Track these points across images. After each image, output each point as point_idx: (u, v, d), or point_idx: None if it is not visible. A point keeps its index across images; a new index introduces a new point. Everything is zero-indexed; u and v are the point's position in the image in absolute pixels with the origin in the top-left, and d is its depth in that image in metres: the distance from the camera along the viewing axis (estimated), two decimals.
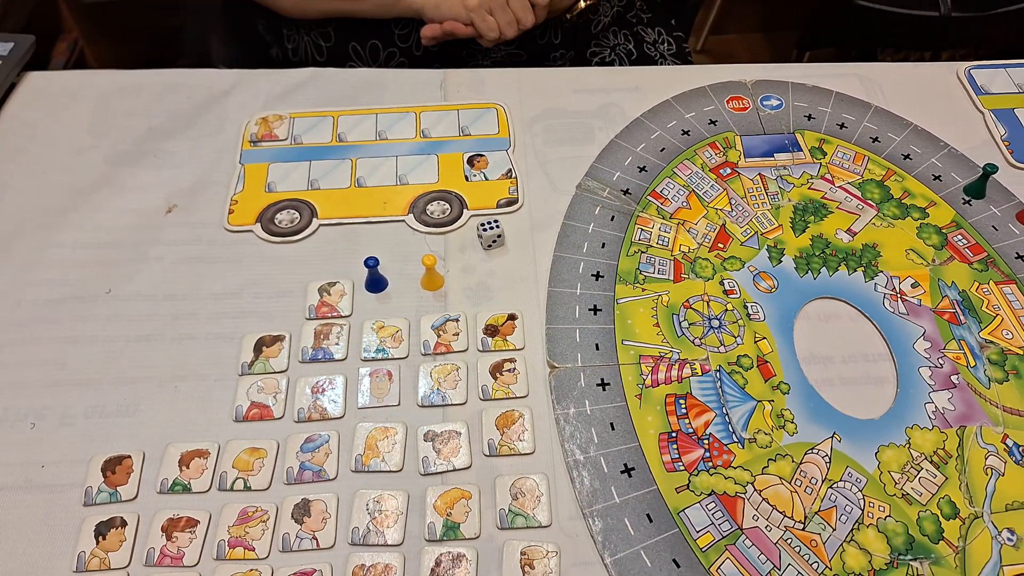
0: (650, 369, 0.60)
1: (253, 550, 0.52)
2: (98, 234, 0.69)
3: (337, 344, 0.62)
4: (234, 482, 0.55)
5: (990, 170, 0.69)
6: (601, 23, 1.00)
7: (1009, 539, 0.53)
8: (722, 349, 0.61)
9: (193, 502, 0.54)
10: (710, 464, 0.56)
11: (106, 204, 0.71)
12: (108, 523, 0.53)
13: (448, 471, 0.56)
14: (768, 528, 0.53)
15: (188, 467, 0.56)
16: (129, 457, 0.56)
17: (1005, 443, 0.57)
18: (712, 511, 0.54)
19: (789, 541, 0.52)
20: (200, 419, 0.58)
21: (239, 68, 0.84)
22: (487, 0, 0.82)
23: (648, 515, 0.53)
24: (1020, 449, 0.57)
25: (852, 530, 0.53)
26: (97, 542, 0.52)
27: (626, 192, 0.71)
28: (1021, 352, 0.61)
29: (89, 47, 1.77)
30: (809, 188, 0.72)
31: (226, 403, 0.59)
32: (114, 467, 0.55)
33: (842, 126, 0.77)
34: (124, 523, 0.53)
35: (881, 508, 0.54)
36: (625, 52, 1.05)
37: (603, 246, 0.67)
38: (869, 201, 0.71)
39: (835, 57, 1.86)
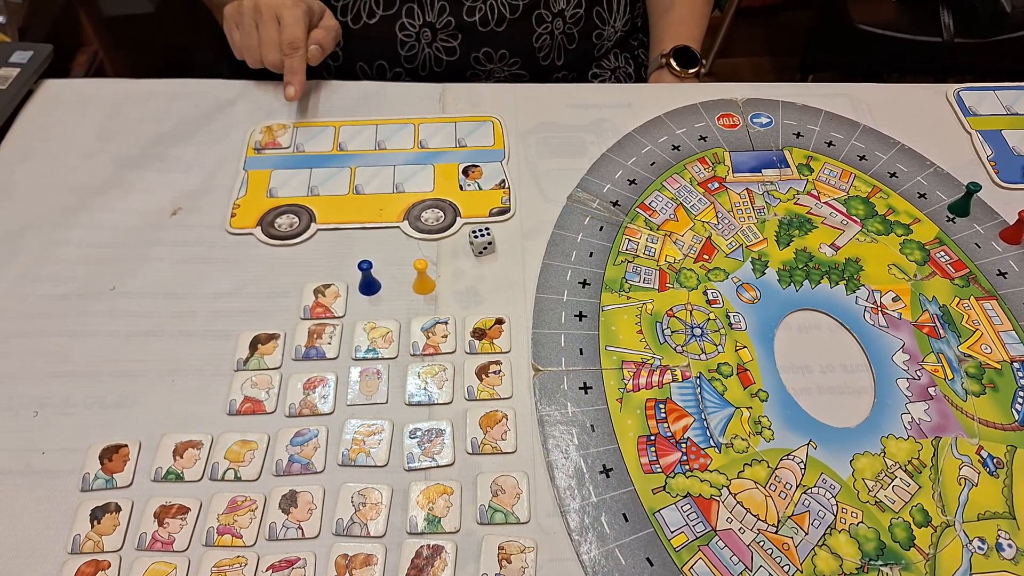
0: (632, 374, 0.61)
1: (241, 537, 0.54)
2: (104, 233, 0.71)
3: (329, 343, 0.64)
4: (225, 472, 0.57)
5: (973, 188, 0.71)
6: (605, 47, 1.02)
7: (980, 548, 0.54)
8: (703, 357, 0.63)
9: (185, 490, 0.56)
10: (687, 467, 0.57)
11: (113, 205, 0.74)
12: (103, 508, 0.55)
13: (432, 467, 0.57)
14: (741, 530, 0.54)
15: (182, 457, 0.57)
16: (126, 446, 0.58)
17: (980, 454, 0.58)
18: (687, 512, 0.55)
19: (762, 543, 0.54)
20: (195, 412, 0.60)
21: (245, 74, 0.87)
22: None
23: (624, 515, 0.55)
24: (994, 460, 0.58)
25: (824, 535, 0.54)
26: (92, 526, 0.54)
27: (615, 204, 0.73)
28: (999, 366, 0.62)
29: (108, 60, 1.82)
30: (795, 203, 0.74)
31: (220, 397, 0.61)
32: (111, 455, 0.57)
33: (830, 144, 0.79)
34: (118, 508, 0.55)
35: (854, 514, 0.55)
36: (625, 75, 1.07)
37: (591, 255, 0.69)
38: (854, 217, 0.72)
39: (839, 80, 1.88)
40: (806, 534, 0.54)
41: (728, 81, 0.86)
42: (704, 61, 0.97)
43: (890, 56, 1.51)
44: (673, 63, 0.95)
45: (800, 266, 0.69)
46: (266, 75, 0.85)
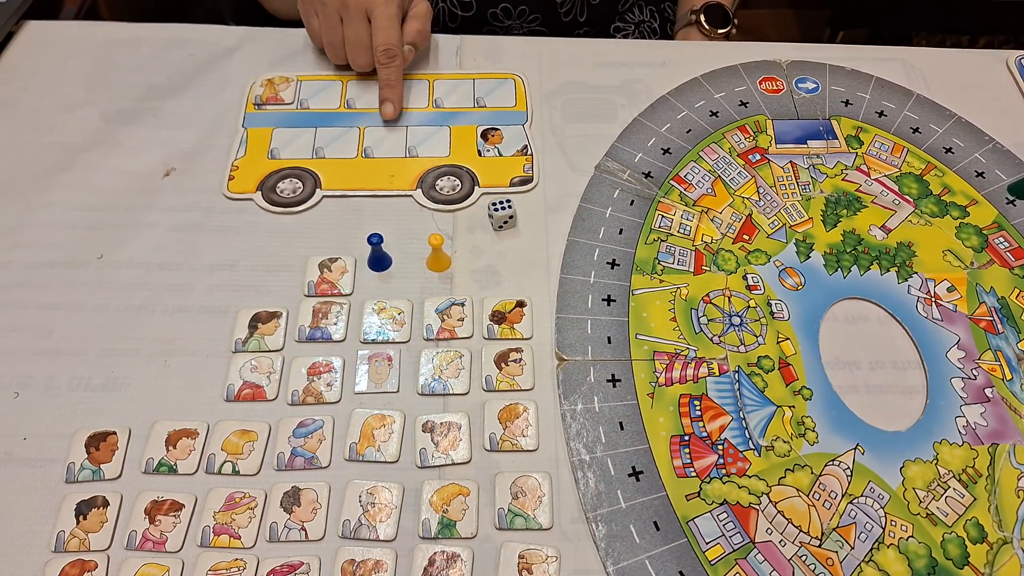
0: (664, 367, 0.57)
1: (239, 538, 0.50)
2: (91, 196, 0.66)
3: (336, 324, 0.59)
4: (222, 465, 0.52)
5: None
6: (629, 0, 0.95)
7: None
8: (742, 349, 0.58)
9: (179, 484, 0.52)
10: (723, 471, 0.52)
11: (100, 164, 0.68)
12: (90, 502, 0.50)
13: (446, 465, 0.53)
14: (782, 543, 0.50)
15: (175, 447, 0.53)
16: (114, 433, 0.53)
17: None
18: (724, 522, 0.51)
19: (804, 558, 0.49)
20: (189, 397, 0.55)
21: (250, 23, 0.80)
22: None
23: (655, 523, 0.50)
24: None
25: (871, 550, 0.50)
26: (77, 522, 0.50)
27: (648, 175, 0.68)
28: None
29: None
30: (843, 179, 0.68)
31: (217, 381, 0.56)
32: (98, 443, 0.53)
33: (881, 114, 0.73)
34: (106, 503, 0.50)
35: (904, 527, 0.51)
36: (649, 30, 1.01)
37: (620, 232, 0.64)
38: (906, 196, 0.67)
39: (867, 38, 1.80)
40: (852, 548, 0.50)
41: (749, 35, 0.80)
42: (736, 21, 0.90)
43: (923, 13, 1.43)
44: (703, 21, 0.88)
45: (848, 250, 0.63)
46: (271, 21, 0.78)
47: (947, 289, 0.61)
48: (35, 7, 0.80)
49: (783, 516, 0.51)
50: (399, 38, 0.72)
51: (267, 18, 0.89)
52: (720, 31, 0.89)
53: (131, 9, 1.70)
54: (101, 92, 0.73)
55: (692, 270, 0.62)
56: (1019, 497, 0.52)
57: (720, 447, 0.53)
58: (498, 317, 0.59)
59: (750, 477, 0.52)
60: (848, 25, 1.51)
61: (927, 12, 1.46)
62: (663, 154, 0.69)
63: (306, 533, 0.50)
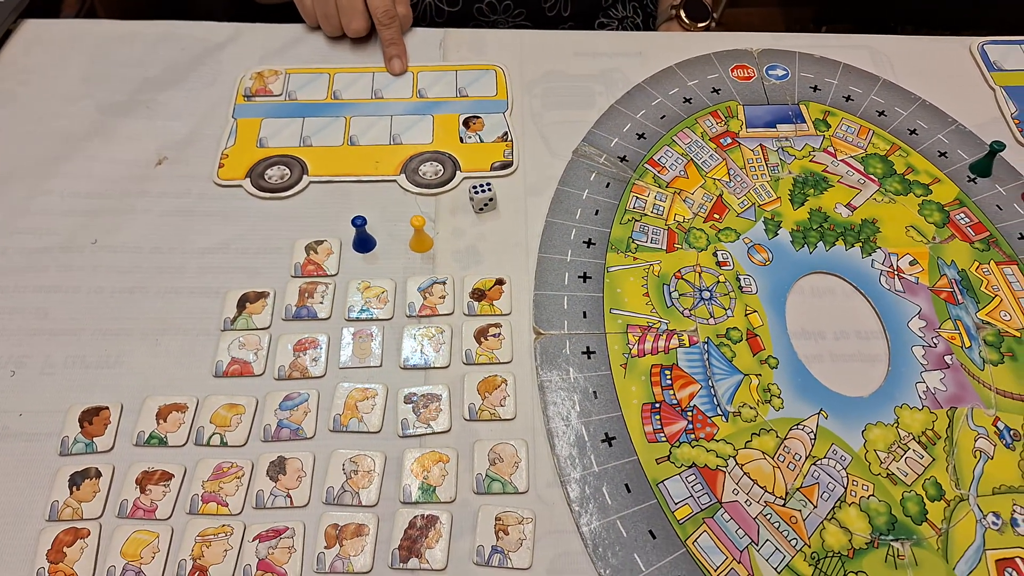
0: (637, 339, 0.59)
1: (226, 506, 0.52)
2: (87, 184, 0.68)
3: (321, 303, 0.61)
4: (211, 437, 0.54)
5: (997, 148, 0.67)
6: None
7: (994, 523, 0.52)
8: (712, 321, 0.60)
9: (169, 456, 0.54)
10: (692, 436, 0.55)
11: (97, 154, 0.70)
12: (83, 473, 0.52)
13: (427, 434, 0.55)
14: (748, 503, 0.52)
15: (165, 420, 0.55)
16: (107, 408, 0.55)
17: (996, 426, 0.56)
18: (692, 483, 0.53)
19: (768, 516, 0.52)
20: (180, 373, 0.57)
21: (244, 20, 0.83)
22: None
23: (627, 485, 0.53)
24: (1011, 432, 0.55)
25: (834, 508, 0.52)
26: (71, 492, 0.52)
27: (623, 159, 0.70)
28: (1018, 335, 0.60)
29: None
30: (811, 161, 0.70)
31: (207, 358, 0.58)
32: (91, 418, 0.55)
33: (848, 98, 0.75)
34: (99, 474, 0.53)
35: (865, 487, 0.53)
36: (632, 25, 1.03)
37: (596, 213, 0.66)
38: (871, 176, 0.69)
39: (852, 31, 1.83)
40: (815, 507, 0.52)
41: (738, 30, 0.82)
42: (715, 15, 0.93)
43: (906, 8, 1.46)
44: (683, 15, 0.91)
45: (815, 227, 0.66)
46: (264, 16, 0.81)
47: (909, 263, 0.64)
48: (34, 11, 0.83)
49: (749, 477, 0.53)
50: (392, 1, 0.77)
51: (257, 15, 0.91)
52: (700, 24, 0.91)
53: (128, 11, 1.73)
54: (97, 86, 0.76)
55: (665, 248, 0.64)
56: (976, 457, 0.54)
57: (689, 413, 0.56)
58: (478, 294, 0.62)
59: (718, 441, 0.54)
60: (832, 21, 1.54)
61: (909, 8, 1.48)
62: (638, 139, 0.72)
63: (291, 500, 0.52)
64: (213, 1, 1.11)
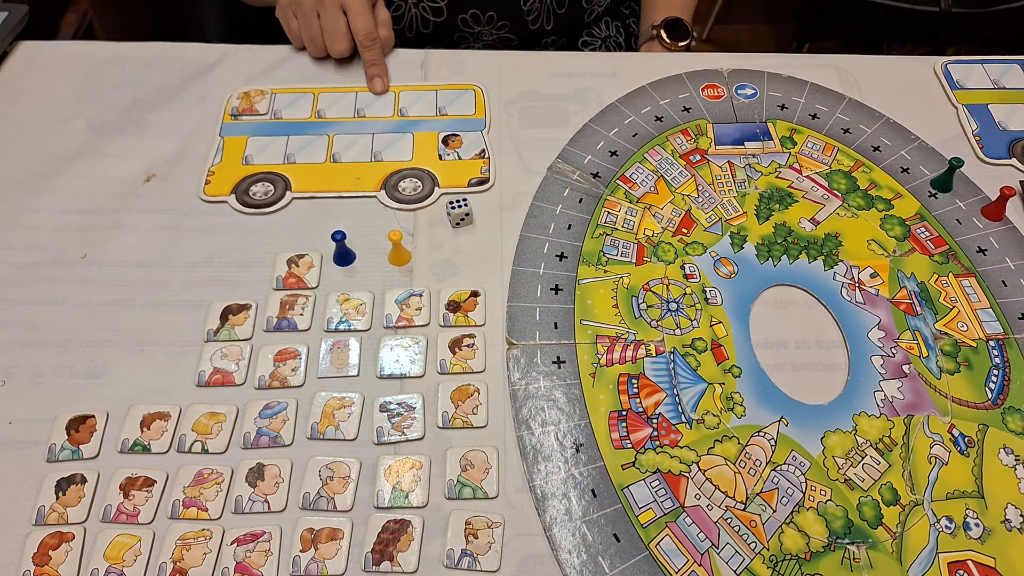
0: (606, 349, 0.61)
1: (206, 511, 0.54)
2: (77, 200, 0.70)
3: (302, 315, 0.63)
4: (192, 445, 0.56)
5: (956, 164, 0.70)
6: (595, 12, 1.00)
7: (947, 527, 0.54)
8: (678, 332, 0.62)
9: (152, 462, 0.56)
10: (657, 443, 0.57)
11: (87, 171, 0.73)
12: (69, 479, 0.54)
13: (401, 441, 0.57)
14: (709, 507, 0.54)
15: (149, 428, 0.57)
16: (93, 417, 0.57)
17: (951, 433, 0.58)
18: (656, 488, 0.55)
19: (729, 520, 0.53)
20: (164, 383, 0.60)
21: (235, 42, 0.86)
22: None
23: (592, 490, 0.55)
24: (965, 439, 0.57)
25: (792, 512, 0.54)
26: (57, 497, 0.54)
27: (596, 175, 0.72)
28: (974, 344, 0.62)
29: (98, 18, 1.78)
30: (776, 177, 0.73)
31: (190, 368, 0.60)
32: (78, 426, 0.57)
33: (814, 116, 0.78)
34: (84, 480, 0.55)
35: (823, 492, 0.55)
36: (615, 45, 1.06)
37: (569, 227, 0.68)
38: (835, 191, 0.71)
39: (839, 49, 1.86)
40: (774, 511, 0.54)
41: (727, 48, 0.85)
42: (695, 34, 0.95)
43: (888, 25, 1.48)
44: (664, 35, 0.93)
45: (779, 241, 0.68)
46: (255, 39, 0.83)
47: (870, 275, 0.66)
48: (34, 28, 0.85)
49: (711, 483, 0.55)
50: (374, 24, 0.80)
51: (247, 36, 0.94)
52: (680, 44, 0.94)
53: (127, 31, 1.76)
54: (89, 105, 0.78)
55: (634, 261, 0.66)
56: (931, 463, 0.56)
57: (655, 421, 0.58)
58: (453, 306, 0.64)
59: (681, 448, 0.56)
60: (816, 38, 1.57)
61: (891, 25, 1.51)
62: (611, 156, 0.74)
63: (269, 505, 0.54)
64: (207, 20, 1.14)
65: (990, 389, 0.60)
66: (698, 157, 0.74)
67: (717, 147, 0.75)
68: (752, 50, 2.09)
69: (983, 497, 0.55)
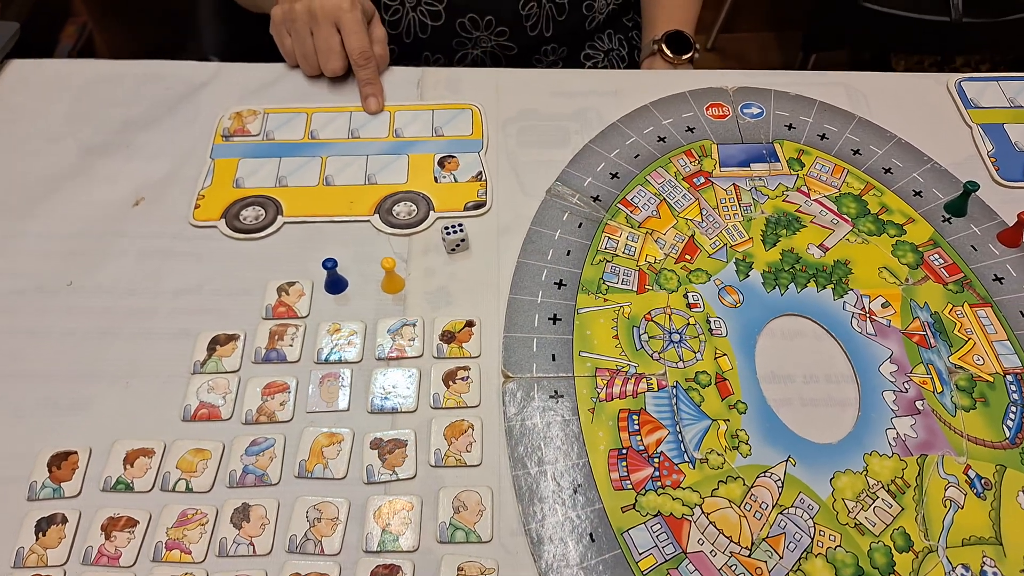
0: (605, 382, 0.59)
1: (190, 553, 0.52)
2: (64, 225, 0.68)
3: (291, 345, 0.61)
4: (176, 483, 0.54)
5: (971, 188, 0.67)
6: (596, 20, 0.98)
7: (964, 575, 0.51)
8: (681, 365, 0.60)
9: (135, 501, 0.54)
10: (659, 484, 0.54)
11: (75, 194, 0.71)
12: (49, 519, 0.53)
13: (392, 480, 0.55)
14: (713, 553, 0.52)
15: (132, 465, 0.55)
16: (75, 453, 0.56)
17: (967, 474, 0.55)
18: (657, 533, 0.52)
19: (733, 567, 0.51)
20: (149, 417, 0.58)
21: (233, 55, 0.84)
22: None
23: (591, 534, 0.52)
24: (982, 481, 0.55)
25: (800, 559, 0.52)
26: (37, 538, 0.52)
27: (596, 199, 0.70)
28: (991, 379, 0.59)
29: (98, 31, 1.77)
30: (783, 200, 0.70)
31: (176, 402, 0.58)
32: (60, 462, 0.55)
33: (823, 137, 0.75)
34: (65, 520, 0.53)
35: (832, 537, 0.52)
36: (618, 58, 1.04)
37: (568, 253, 0.66)
38: (845, 216, 0.69)
39: (846, 59, 1.83)
40: (781, 558, 0.52)
41: (732, 57, 0.82)
42: (697, 46, 0.93)
43: (896, 35, 1.46)
44: (666, 49, 0.91)
45: (786, 268, 0.65)
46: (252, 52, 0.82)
47: (882, 305, 0.63)
48: (31, 44, 0.84)
49: (715, 527, 0.53)
50: (369, 42, 0.78)
51: (246, 46, 0.92)
52: (683, 57, 0.92)
53: (127, 44, 1.75)
54: (80, 125, 0.77)
55: (635, 289, 0.64)
56: (945, 506, 0.54)
57: (656, 460, 0.55)
58: (448, 337, 0.62)
59: (684, 489, 0.54)
60: (822, 47, 1.54)
61: (900, 34, 1.49)
62: (611, 178, 0.72)
63: (254, 548, 0.52)
64: (205, 31, 1.13)
65: (1008, 427, 0.57)
66: (702, 179, 0.72)
67: (722, 169, 0.72)
68: (758, 58, 2.07)
69: (1001, 544, 0.52)
